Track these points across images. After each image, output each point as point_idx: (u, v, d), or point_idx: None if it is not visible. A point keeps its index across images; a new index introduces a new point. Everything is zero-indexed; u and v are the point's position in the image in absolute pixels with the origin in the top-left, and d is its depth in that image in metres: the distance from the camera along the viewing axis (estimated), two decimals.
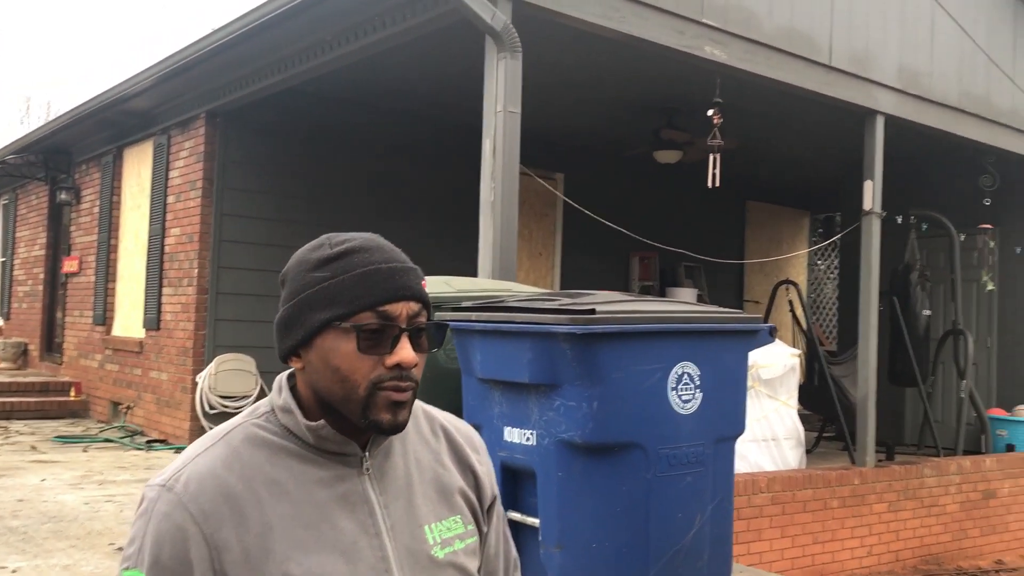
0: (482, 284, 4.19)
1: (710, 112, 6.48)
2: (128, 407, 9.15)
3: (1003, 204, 8.89)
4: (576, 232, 9.71)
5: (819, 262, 13.48)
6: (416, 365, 1.29)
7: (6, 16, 44.80)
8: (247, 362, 7.88)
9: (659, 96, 7.91)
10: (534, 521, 2.97)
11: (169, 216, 8.58)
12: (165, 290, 8.54)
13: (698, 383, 3.01)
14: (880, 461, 7.53)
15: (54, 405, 10.07)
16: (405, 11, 5.58)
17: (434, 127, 8.83)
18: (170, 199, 8.58)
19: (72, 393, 10.30)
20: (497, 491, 1.51)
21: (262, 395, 7.86)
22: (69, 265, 10.97)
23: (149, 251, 8.92)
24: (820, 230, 13.06)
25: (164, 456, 7.66)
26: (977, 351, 9.05)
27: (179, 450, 7.80)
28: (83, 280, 10.61)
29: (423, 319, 1.32)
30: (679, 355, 2.97)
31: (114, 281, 9.88)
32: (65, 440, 8.30)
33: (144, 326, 8.93)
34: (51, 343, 11.85)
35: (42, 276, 12.03)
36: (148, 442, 8.25)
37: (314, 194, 8.33)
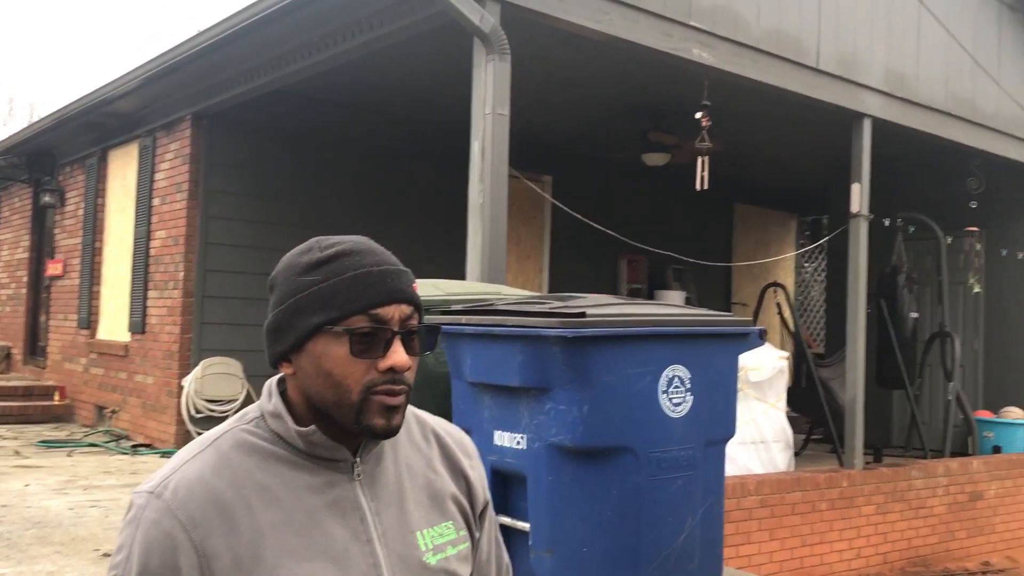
0: (471, 287, 4.17)
1: (698, 115, 6.48)
2: (113, 411, 9.08)
3: (989, 207, 8.94)
4: (564, 235, 9.71)
5: (806, 264, 13.52)
6: (409, 368, 1.28)
7: None
8: (233, 366, 7.84)
9: (647, 99, 7.91)
10: (524, 525, 2.95)
11: (154, 219, 8.52)
12: (150, 293, 8.49)
13: (689, 386, 3.00)
14: (868, 463, 7.54)
15: (38, 409, 9.98)
16: (393, 13, 5.56)
17: (422, 129, 8.81)
18: (155, 201, 8.53)
19: (56, 397, 10.22)
20: (489, 496, 1.50)
21: (248, 399, 7.82)
22: (53, 268, 10.89)
23: (134, 254, 8.86)
24: (807, 233, 13.11)
25: (149, 460, 7.60)
26: (964, 353, 9.09)
27: (165, 454, 7.75)
28: (67, 283, 10.54)
29: (415, 322, 1.31)
30: (670, 358, 2.95)
31: (99, 284, 9.81)
32: (49, 445, 8.23)
33: (129, 329, 8.87)
34: (35, 347, 11.76)
35: (25, 279, 11.94)
36: (133, 446, 8.19)
37: (301, 197, 8.30)
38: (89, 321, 9.81)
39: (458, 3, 4.85)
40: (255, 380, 7.88)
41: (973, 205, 8.60)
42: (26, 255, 11.95)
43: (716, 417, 3.12)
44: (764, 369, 6.62)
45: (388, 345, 1.26)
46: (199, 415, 7.66)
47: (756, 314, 8.70)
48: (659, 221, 10.34)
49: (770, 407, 6.72)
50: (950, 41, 7.82)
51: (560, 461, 2.85)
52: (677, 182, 8.80)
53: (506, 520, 2.98)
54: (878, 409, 9.10)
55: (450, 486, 1.41)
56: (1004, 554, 8.21)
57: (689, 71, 6.24)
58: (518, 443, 2.96)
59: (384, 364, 1.25)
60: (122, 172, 9.51)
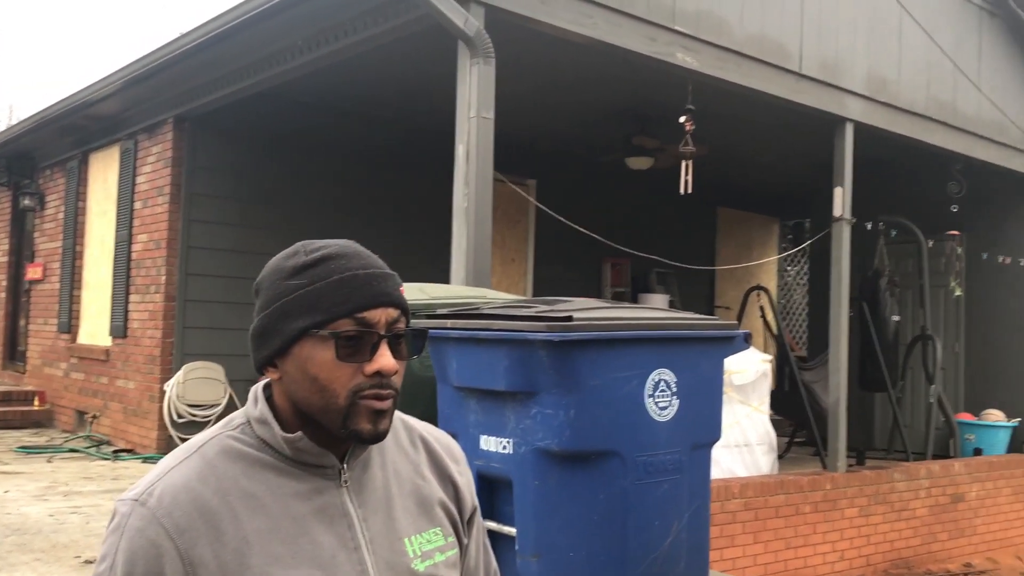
0: (457, 291, 4.16)
1: (682, 119, 6.50)
2: (94, 416, 9.00)
3: (970, 211, 9.00)
4: (548, 238, 9.71)
5: (789, 268, 13.57)
6: (396, 373, 1.27)
7: None
8: (216, 370, 7.79)
9: (631, 102, 7.93)
10: (510, 530, 2.94)
11: (136, 222, 8.46)
12: (132, 297, 8.43)
13: (675, 390, 3.00)
14: (851, 466, 7.57)
15: (17, 415, 9.88)
16: (377, 16, 5.54)
17: (406, 132, 8.79)
18: (137, 205, 8.47)
19: (36, 402, 10.12)
20: (477, 502, 1.49)
21: (231, 403, 7.77)
22: (33, 272, 10.79)
23: (116, 258, 8.79)
24: (790, 236, 13.16)
25: (131, 466, 7.54)
26: (945, 356, 9.15)
27: (147, 460, 7.69)
28: (47, 287, 10.44)
29: (402, 326, 1.30)
30: (656, 362, 2.95)
31: (79, 288, 9.73)
32: (29, 450, 8.15)
33: (111, 334, 8.80)
34: (14, 351, 11.64)
35: (4, 283, 11.82)
36: (115, 452, 8.12)
37: (284, 200, 8.26)
38: (70, 325, 9.72)
39: (442, 6, 4.84)
40: (238, 385, 7.84)
41: (954, 209, 8.65)
42: (5, 259, 11.84)
43: (702, 420, 3.12)
44: (748, 372, 6.64)
45: (375, 349, 1.25)
46: (181, 420, 7.61)
47: (740, 318, 8.73)
48: (643, 225, 10.36)
49: (754, 410, 6.74)
50: (931, 45, 7.87)
51: (546, 465, 2.85)
52: (661, 186, 8.82)
53: (492, 525, 2.97)
54: (860, 412, 9.14)
55: (438, 492, 1.40)
56: (985, 555, 8.27)
57: (673, 75, 6.26)
58: (504, 448, 2.95)
59: (371, 368, 1.24)
60: (103, 175, 9.43)
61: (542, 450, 2.84)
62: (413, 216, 8.75)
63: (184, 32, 6.95)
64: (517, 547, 2.91)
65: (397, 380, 1.28)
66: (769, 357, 7.13)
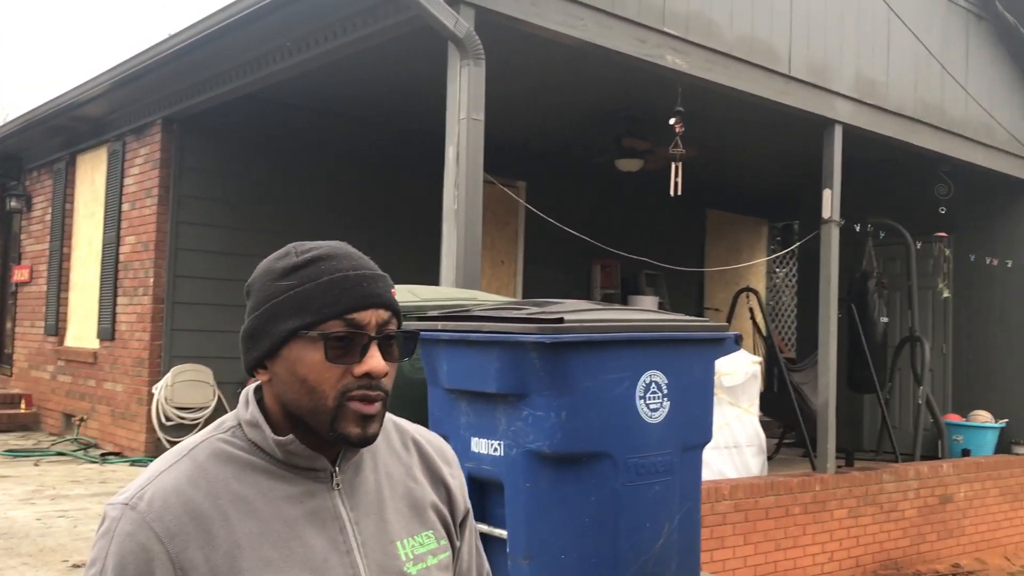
0: (447, 293, 4.15)
1: (672, 120, 6.51)
2: (82, 419, 8.95)
3: (958, 213, 9.04)
4: (538, 240, 9.71)
5: (778, 270, 13.61)
6: (386, 375, 1.26)
7: None
8: (204, 373, 7.76)
9: (621, 104, 7.93)
10: (501, 533, 2.93)
11: (124, 224, 8.42)
12: (120, 299, 8.38)
13: (666, 392, 3.00)
14: (840, 467, 7.59)
15: (3, 418, 9.82)
16: (367, 17, 5.53)
17: (396, 134, 8.77)
18: (125, 207, 8.43)
19: (23, 405, 10.05)
20: (469, 505, 1.48)
21: (220, 406, 7.74)
22: (19, 274, 10.72)
23: (103, 260, 8.75)
24: (778, 238, 13.20)
25: (119, 469, 7.50)
26: (933, 358, 9.18)
27: (135, 463, 7.65)
28: (34, 289, 10.38)
29: (393, 327, 1.29)
30: (647, 364, 2.95)
31: (67, 290, 9.68)
32: (15, 454, 8.09)
33: (98, 336, 8.75)
34: (0, 354, 11.57)
35: None
36: (102, 455, 8.08)
37: (273, 202, 8.23)
38: (57, 328, 9.67)
39: (432, 8, 4.83)
40: (226, 387, 7.80)
41: (942, 211, 8.69)
42: None
43: (693, 422, 3.12)
44: (737, 374, 6.64)
45: (365, 350, 1.24)
46: (169, 423, 7.57)
47: (729, 319, 8.74)
48: (632, 226, 10.37)
49: (743, 412, 6.75)
50: (919, 48, 7.90)
51: (538, 468, 2.84)
52: (650, 187, 8.83)
53: (483, 527, 2.96)
54: (849, 413, 9.17)
55: (430, 495, 1.39)
56: (973, 556, 8.30)
57: (663, 77, 6.26)
58: (495, 450, 2.94)
59: (360, 369, 1.23)
60: (91, 177, 9.39)
61: (533, 452, 2.83)
62: (403, 218, 8.74)
63: (172, 33, 6.92)
64: (508, 549, 2.90)
65: (388, 382, 1.27)
66: (758, 359, 7.14)
